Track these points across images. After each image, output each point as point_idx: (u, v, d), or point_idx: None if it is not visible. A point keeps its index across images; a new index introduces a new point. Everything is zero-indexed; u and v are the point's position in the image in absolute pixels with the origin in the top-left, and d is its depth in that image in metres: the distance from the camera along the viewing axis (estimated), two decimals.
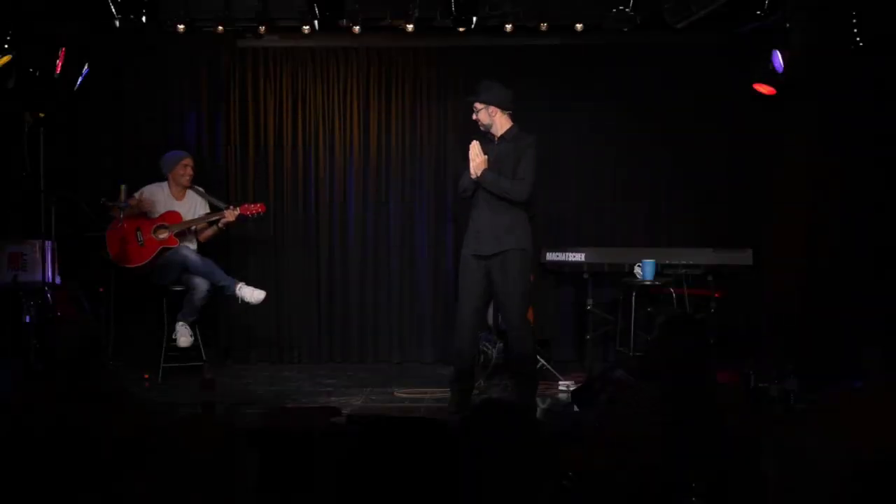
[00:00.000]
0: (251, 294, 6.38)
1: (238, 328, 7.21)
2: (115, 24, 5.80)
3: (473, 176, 5.36)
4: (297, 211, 7.30)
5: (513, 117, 5.49)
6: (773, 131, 6.79)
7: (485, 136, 5.49)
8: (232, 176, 7.26)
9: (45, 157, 5.73)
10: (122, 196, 6.21)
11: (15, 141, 5.86)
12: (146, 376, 6.35)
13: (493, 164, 5.36)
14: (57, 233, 5.89)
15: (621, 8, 5.77)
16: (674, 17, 5.93)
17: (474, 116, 5.48)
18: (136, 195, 6.43)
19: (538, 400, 5.59)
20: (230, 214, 6.53)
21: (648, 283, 6.44)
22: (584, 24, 6.48)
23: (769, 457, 2.57)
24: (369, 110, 7.27)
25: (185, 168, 6.59)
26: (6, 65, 5.73)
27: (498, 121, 5.44)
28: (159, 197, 6.57)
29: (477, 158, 5.35)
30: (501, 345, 6.40)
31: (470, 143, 5.46)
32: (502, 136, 5.44)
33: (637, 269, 6.48)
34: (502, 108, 5.43)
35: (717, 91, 6.97)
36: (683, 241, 6.95)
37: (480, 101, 5.43)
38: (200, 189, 6.73)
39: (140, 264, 6.41)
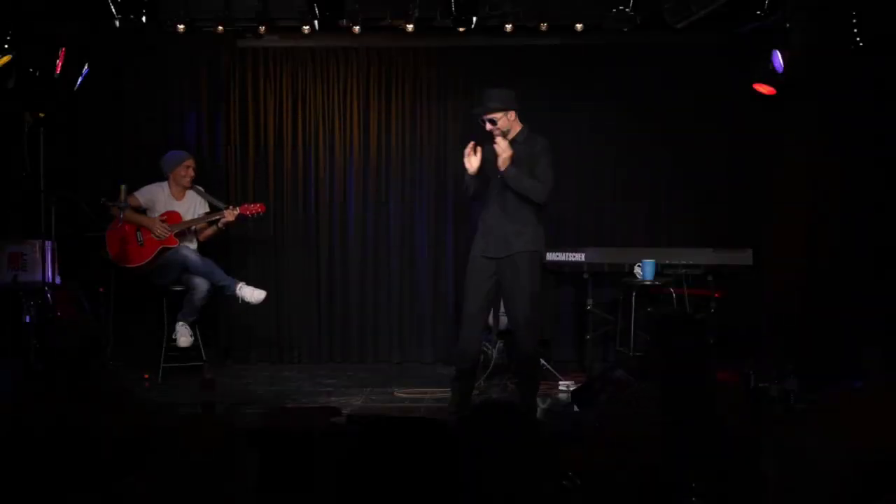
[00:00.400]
0: (251, 294, 6.38)
1: (238, 328, 7.21)
2: (115, 24, 5.80)
3: (502, 167, 5.20)
4: (297, 211, 7.30)
5: (520, 118, 5.44)
6: (773, 131, 6.79)
7: (491, 139, 5.37)
8: (232, 176, 7.26)
9: (45, 157, 5.73)
10: (122, 196, 6.20)
11: (15, 141, 5.86)
12: (146, 376, 6.34)
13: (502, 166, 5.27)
14: (57, 233, 5.89)
15: (621, 8, 5.77)
16: (674, 17, 5.93)
17: (489, 127, 5.31)
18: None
19: (538, 400, 5.57)
20: (230, 214, 6.53)
21: (648, 283, 6.44)
22: (584, 24, 6.48)
23: (769, 457, 2.57)
24: (369, 110, 7.27)
25: (186, 169, 6.59)
26: (6, 65, 5.73)
27: (514, 124, 5.37)
28: (159, 197, 6.57)
29: (505, 153, 5.20)
30: (501, 345, 6.40)
31: (468, 142, 5.37)
32: (514, 138, 5.34)
33: (637, 269, 6.48)
34: (516, 110, 5.36)
35: (717, 91, 6.97)
36: (683, 241, 6.95)
37: (501, 110, 5.28)
38: (200, 189, 6.73)
39: (140, 264, 6.41)
